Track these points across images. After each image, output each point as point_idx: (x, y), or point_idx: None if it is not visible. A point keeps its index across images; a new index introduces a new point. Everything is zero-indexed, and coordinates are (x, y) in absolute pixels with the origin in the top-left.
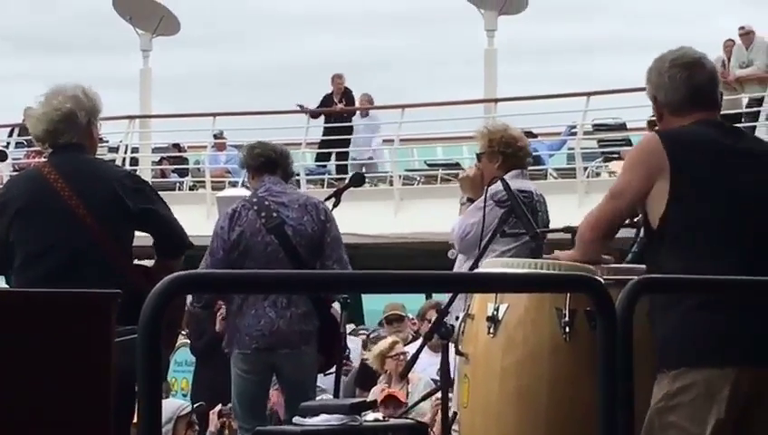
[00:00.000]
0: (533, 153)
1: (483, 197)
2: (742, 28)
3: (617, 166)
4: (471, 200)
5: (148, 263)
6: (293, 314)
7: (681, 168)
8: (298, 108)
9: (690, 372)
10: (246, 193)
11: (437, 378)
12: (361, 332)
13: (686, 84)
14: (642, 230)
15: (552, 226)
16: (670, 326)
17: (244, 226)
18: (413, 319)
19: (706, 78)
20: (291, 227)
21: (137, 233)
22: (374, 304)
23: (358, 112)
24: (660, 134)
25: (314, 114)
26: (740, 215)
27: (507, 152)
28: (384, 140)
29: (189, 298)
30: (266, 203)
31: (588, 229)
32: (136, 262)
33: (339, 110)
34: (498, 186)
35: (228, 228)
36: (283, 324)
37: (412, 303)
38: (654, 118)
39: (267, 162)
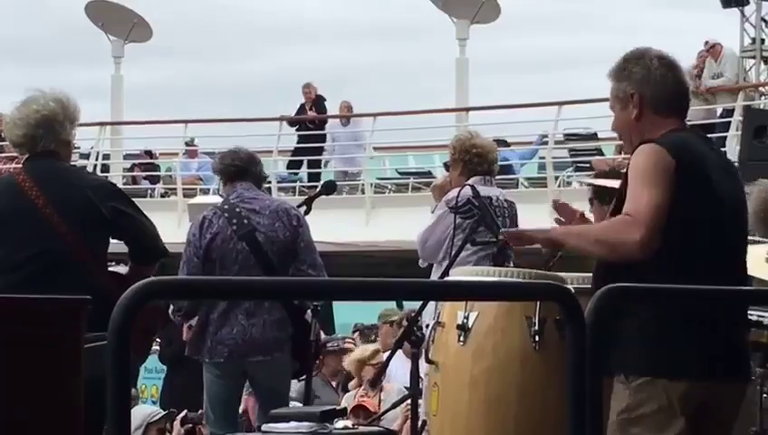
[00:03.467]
0: (504, 162)
1: (440, 204)
2: (706, 43)
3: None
4: None
5: (123, 270)
6: (266, 322)
7: (687, 178)
8: (276, 117)
9: (653, 382)
10: (218, 200)
11: (407, 387)
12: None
13: (675, 85)
14: None
15: None
16: (633, 335)
17: (215, 233)
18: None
19: (686, 82)
20: (262, 234)
21: (114, 240)
22: (344, 317)
23: (338, 121)
24: (665, 145)
25: (291, 122)
26: (725, 221)
27: (466, 159)
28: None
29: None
30: (237, 210)
31: (643, 239)
32: (110, 268)
33: (312, 118)
34: (453, 193)
35: (200, 235)
36: (256, 332)
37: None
38: None
39: (238, 171)
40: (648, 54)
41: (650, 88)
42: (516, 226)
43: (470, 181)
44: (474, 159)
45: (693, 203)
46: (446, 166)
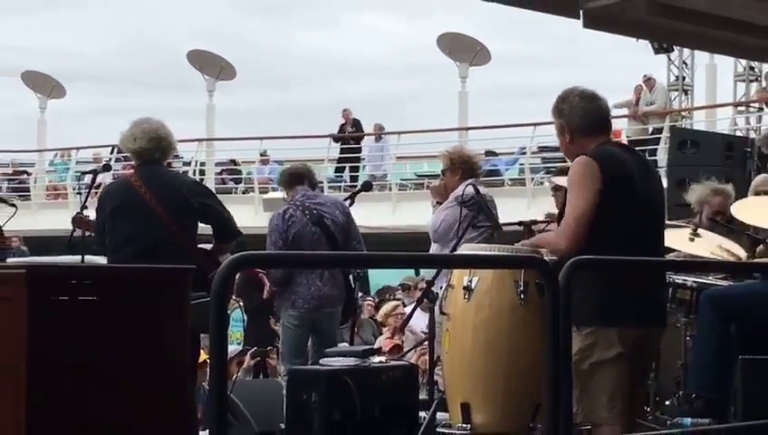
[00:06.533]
0: (494, 167)
1: (449, 199)
2: (645, 76)
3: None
4: (439, 203)
5: (208, 246)
6: (333, 283)
7: (609, 179)
8: (326, 135)
9: (596, 331)
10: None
11: (425, 332)
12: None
13: (592, 113)
14: None
15: (507, 220)
16: (580, 297)
17: (295, 222)
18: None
19: (606, 108)
20: (329, 220)
21: (202, 224)
22: (376, 280)
23: (372, 137)
24: (590, 156)
25: (337, 139)
26: (639, 211)
27: (465, 167)
28: (386, 157)
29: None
30: (307, 204)
31: (570, 244)
32: (199, 246)
33: (351, 135)
34: (460, 190)
35: (282, 224)
36: (327, 290)
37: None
38: None
39: (296, 176)
40: (571, 93)
41: (575, 119)
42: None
43: (466, 182)
44: (473, 166)
45: (617, 196)
46: (443, 172)
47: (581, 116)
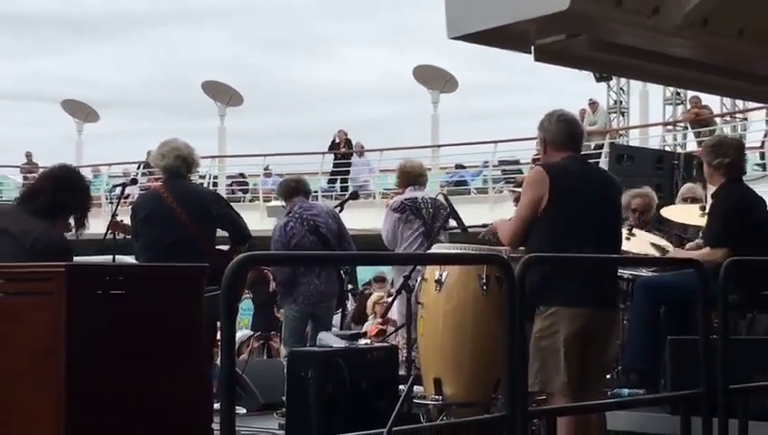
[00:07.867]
0: (462, 178)
1: (386, 210)
2: (589, 100)
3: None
4: None
5: (225, 248)
6: (329, 280)
7: (555, 185)
8: (320, 152)
9: (555, 312)
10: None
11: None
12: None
13: (566, 132)
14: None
15: (473, 223)
16: (541, 283)
17: (295, 233)
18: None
19: (579, 130)
20: (323, 227)
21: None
22: (360, 274)
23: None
24: (543, 167)
25: (332, 153)
26: (587, 211)
27: (406, 178)
28: (371, 170)
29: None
30: (305, 216)
31: (511, 238)
32: (217, 247)
33: (343, 152)
34: (394, 198)
35: (284, 236)
36: (324, 287)
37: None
38: (536, 157)
39: (293, 189)
40: (554, 114)
41: (551, 134)
42: (444, 214)
43: (406, 190)
44: (407, 175)
45: (566, 199)
46: (398, 186)
47: (555, 132)
